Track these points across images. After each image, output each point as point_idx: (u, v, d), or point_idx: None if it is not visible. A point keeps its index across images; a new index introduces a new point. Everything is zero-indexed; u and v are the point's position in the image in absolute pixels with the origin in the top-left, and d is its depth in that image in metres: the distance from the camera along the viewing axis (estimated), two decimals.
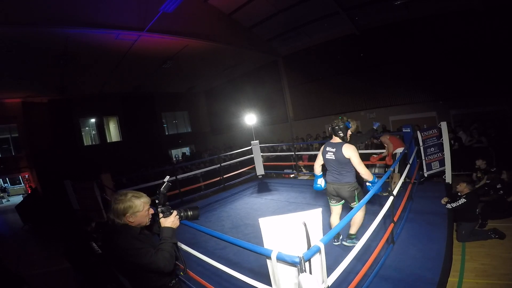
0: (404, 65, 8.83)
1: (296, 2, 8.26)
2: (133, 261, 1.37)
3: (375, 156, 5.05)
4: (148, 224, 1.55)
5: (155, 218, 1.59)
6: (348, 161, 2.73)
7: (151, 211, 1.55)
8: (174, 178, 5.91)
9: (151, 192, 2.03)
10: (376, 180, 2.73)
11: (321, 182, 3.05)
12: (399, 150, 4.56)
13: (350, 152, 2.70)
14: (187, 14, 7.59)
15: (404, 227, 3.36)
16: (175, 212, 1.59)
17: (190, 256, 2.59)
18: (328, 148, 2.88)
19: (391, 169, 3.22)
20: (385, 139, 4.69)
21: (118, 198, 1.45)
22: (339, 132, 2.83)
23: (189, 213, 1.68)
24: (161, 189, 1.56)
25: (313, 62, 10.95)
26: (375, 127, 4.66)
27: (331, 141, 2.92)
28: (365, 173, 2.69)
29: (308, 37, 10.50)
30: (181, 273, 1.75)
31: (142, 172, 9.45)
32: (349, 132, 2.88)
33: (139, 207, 1.45)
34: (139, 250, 1.37)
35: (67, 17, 5.94)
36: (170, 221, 1.55)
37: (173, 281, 1.60)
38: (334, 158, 2.80)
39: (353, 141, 4.44)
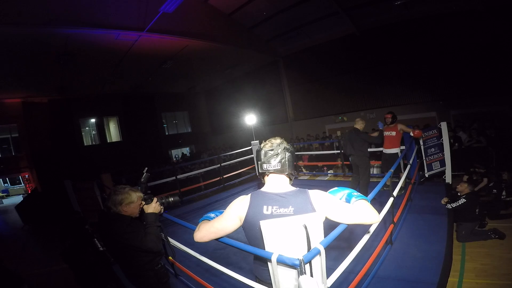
0: (404, 65, 8.83)
1: (296, 2, 8.25)
2: (127, 243, 1.61)
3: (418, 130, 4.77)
4: (137, 215, 1.77)
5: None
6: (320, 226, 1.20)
7: (142, 204, 1.77)
8: (174, 178, 5.92)
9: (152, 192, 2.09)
10: None
11: None
12: (394, 150, 4.68)
13: (325, 201, 1.24)
14: (187, 14, 7.59)
15: (404, 227, 3.37)
16: (155, 199, 1.80)
17: (190, 256, 2.59)
18: (271, 209, 1.23)
19: (392, 170, 3.22)
20: (402, 125, 4.68)
21: (118, 189, 1.72)
22: (282, 159, 1.27)
23: (170, 199, 1.85)
24: (142, 179, 1.79)
25: (313, 62, 10.94)
26: (381, 128, 4.74)
27: (268, 190, 1.29)
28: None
29: (308, 38, 10.50)
30: (169, 257, 1.96)
31: (142, 172, 9.45)
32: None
33: (134, 198, 1.71)
34: (131, 234, 1.62)
35: (67, 17, 5.95)
36: (152, 207, 1.77)
37: (159, 266, 1.80)
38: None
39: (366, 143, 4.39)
